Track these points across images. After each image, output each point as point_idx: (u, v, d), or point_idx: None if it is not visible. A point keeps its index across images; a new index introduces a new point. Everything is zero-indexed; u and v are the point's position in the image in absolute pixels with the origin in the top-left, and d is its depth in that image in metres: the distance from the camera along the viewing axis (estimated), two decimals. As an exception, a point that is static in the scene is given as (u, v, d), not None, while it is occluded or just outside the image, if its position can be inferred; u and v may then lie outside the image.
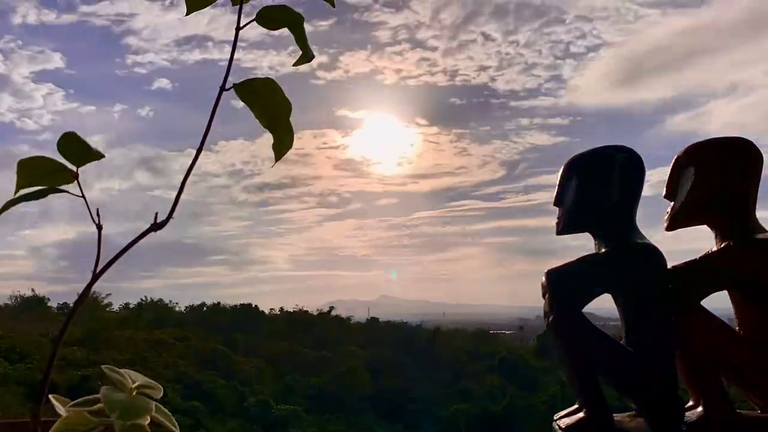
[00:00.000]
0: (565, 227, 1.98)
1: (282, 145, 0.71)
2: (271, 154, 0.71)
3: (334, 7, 0.70)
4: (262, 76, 0.69)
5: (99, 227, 0.68)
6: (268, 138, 0.70)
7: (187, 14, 0.68)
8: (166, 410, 0.64)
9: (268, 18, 0.69)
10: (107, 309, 32.68)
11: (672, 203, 1.91)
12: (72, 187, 0.68)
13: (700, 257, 1.81)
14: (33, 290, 31.95)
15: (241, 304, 39.04)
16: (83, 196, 0.67)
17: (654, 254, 1.81)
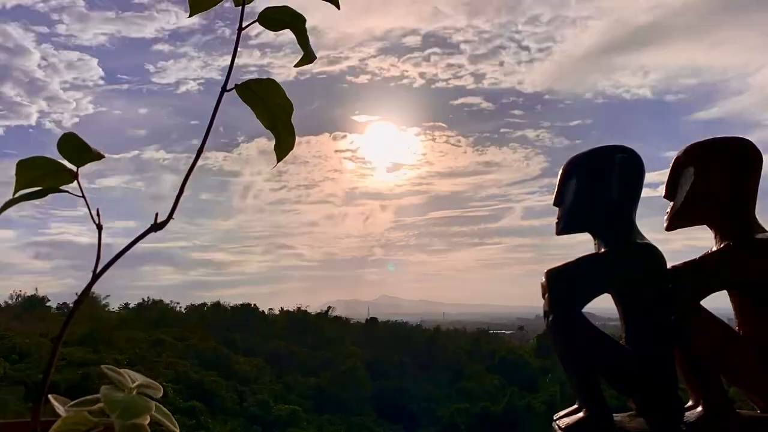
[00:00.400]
0: (564, 227, 1.98)
1: (283, 146, 0.71)
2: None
3: (338, 8, 0.70)
4: (264, 77, 0.69)
5: (99, 227, 0.68)
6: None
7: (191, 15, 0.68)
8: (166, 410, 0.64)
9: (270, 18, 0.69)
10: (107, 309, 32.69)
11: (672, 203, 1.91)
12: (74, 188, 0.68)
13: (700, 257, 1.81)
14: (36, 290, 31.99)
15: (241, 304, 39.10)
16: (83, 196, 0.67)
17: (654, 254, 1.81)
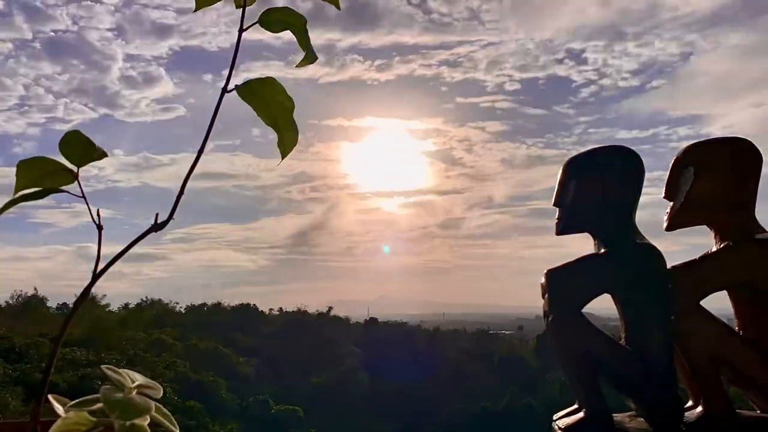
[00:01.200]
0: (564, 227, 1.98)
1: (286, 144, 0.71)
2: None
3: (339, 9, 0.70)
4: (263, 76, 0.70)
5: (99, 228, 0.68)
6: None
7: (196, 10, 0.69)
8: (165, 410, 0.64)
9: (271, 20, 0.69)
10: (107, 309, 32.69)
11: (672, 203, 1.91)
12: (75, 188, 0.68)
13: (700, 257, 1.81)
14: (35, 289, 31.99)
15: (240, 304, 39.08)
16: (84, 197, 0.67)
17: (654, 254, 1.81)
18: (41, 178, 0.66)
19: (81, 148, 0.66)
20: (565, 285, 1.85)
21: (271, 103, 0.69)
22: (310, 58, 0.71)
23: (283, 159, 0.71)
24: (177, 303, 38.61)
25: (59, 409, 0.64)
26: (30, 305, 30.80)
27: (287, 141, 0.71)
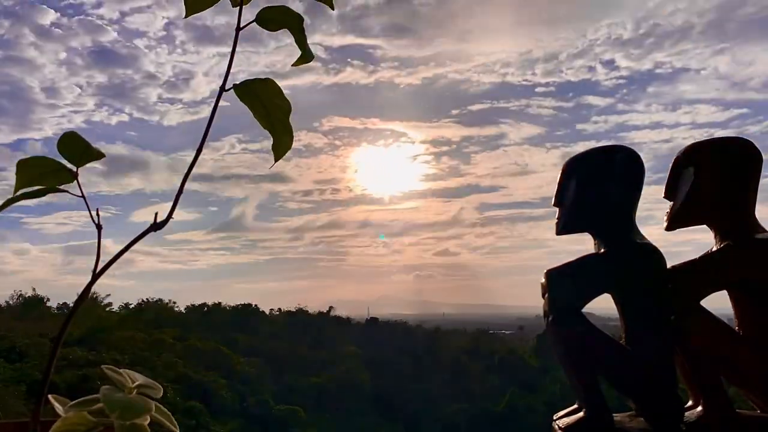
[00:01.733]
0: (564, 227, 1.98)
1: (281, 146, 0.71)
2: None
3: (333, 9, 0.71)
4: (262, 77, 0.70)
5: (99, 227, 0.68)
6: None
7: (186, 16, 0.69)
8: (166, 410, 0.64)
9: (268, 19, 0.69)
10: (107, 309, 32.69)
11: (672, 203, 1.91)
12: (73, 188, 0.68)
13: (700, 257, 1.81)
14: (34, 289, 31.99)
15: (241, 304, 39.11)
16: (83, 196, 0.68)
17: (654, 254, 1.81)
18: (41, 177, 0.67)
19: (80, 148, 0.67)
20: (565, 285, 1.85)
21: (268, 104, 0.69)
22: (306, 57, 0.71)
23: (276, 161, 0.72)
24: (176, 303, 38.62)
25: (59, 409, 0.64)
26: (30, 305, 30.80)
27: (282, 144, 0.71)
